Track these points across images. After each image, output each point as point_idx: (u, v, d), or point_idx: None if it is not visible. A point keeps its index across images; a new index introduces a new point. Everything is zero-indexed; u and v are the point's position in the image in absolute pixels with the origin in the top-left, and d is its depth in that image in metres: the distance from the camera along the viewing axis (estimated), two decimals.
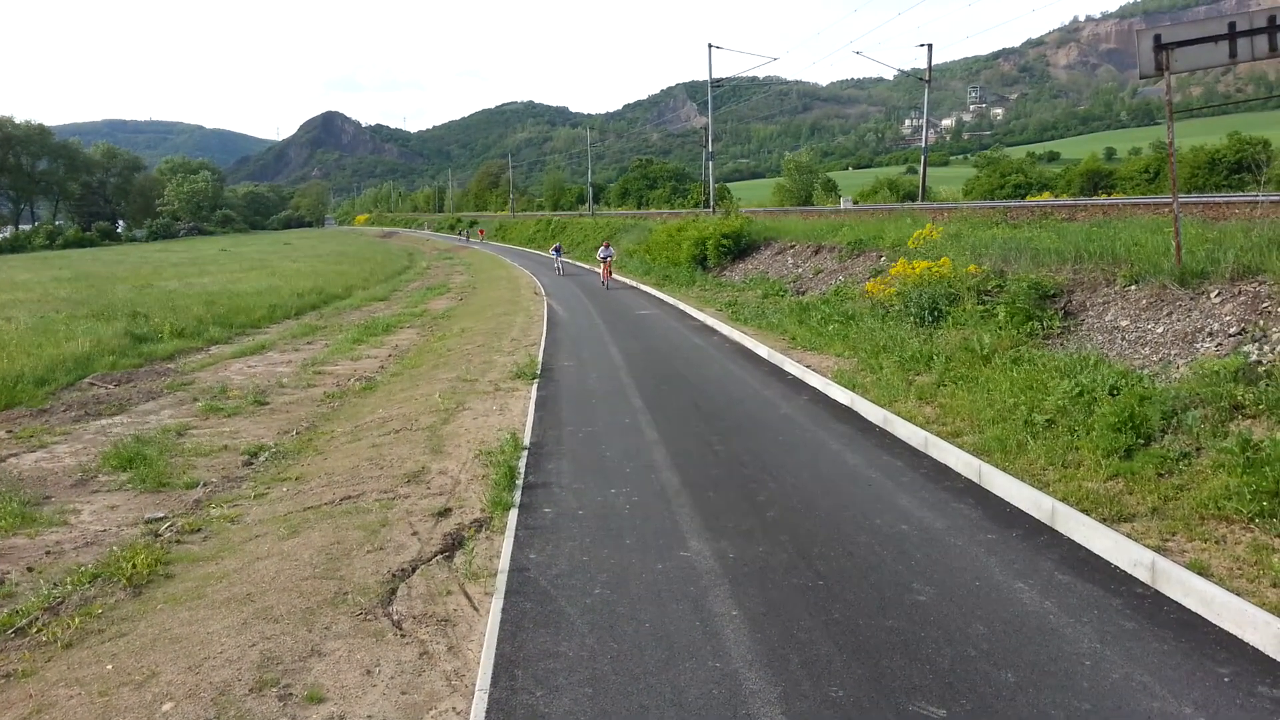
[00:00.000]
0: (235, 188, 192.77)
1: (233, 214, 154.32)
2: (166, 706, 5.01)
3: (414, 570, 6.87)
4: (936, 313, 13.48)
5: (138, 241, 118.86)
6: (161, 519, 8.98)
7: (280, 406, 14.57)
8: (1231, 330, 8.57)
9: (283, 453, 11.48)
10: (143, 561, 7.43)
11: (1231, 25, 9.66)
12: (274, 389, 16.05)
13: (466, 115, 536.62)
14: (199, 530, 8.52)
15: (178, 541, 8.23)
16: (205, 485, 10.14)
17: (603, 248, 33.19)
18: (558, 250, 42.39)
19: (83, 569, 7.54)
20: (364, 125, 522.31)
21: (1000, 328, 11.64)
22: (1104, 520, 6.76)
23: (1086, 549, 6.66)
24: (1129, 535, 6.46)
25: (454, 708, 4.93)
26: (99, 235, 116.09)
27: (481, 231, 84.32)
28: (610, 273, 32.48)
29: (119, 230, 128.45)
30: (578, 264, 45.28)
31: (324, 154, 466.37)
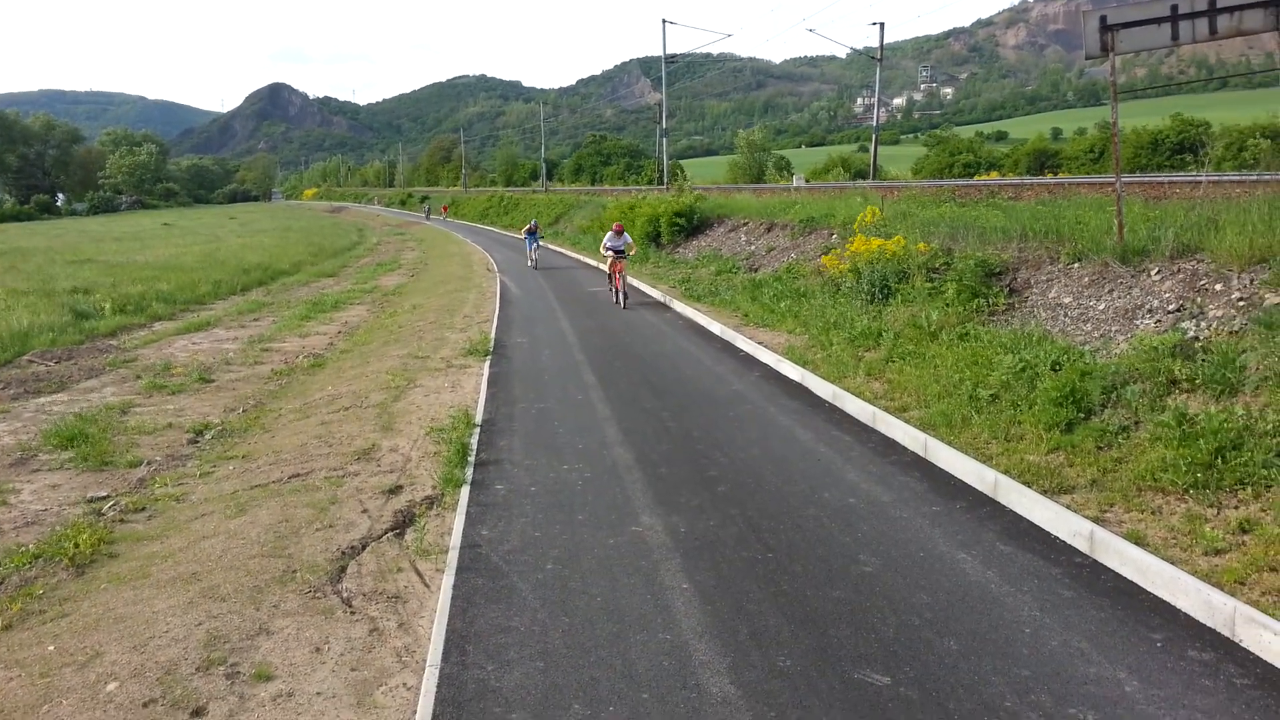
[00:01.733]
0: (179, 160, 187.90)
1: (176, 188, 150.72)
2: (110, 687, 4.94)
3: (364, 548, 6.83)
4: (886, 290, 13.64)
5: (78, 215, 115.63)
6: (105, 498, 8.81)
7: (226, 384, 14.33)
8: (1170, 307, 8.78)
9: (229, 430, 11.30)
10: (86, 541, 7.28)
11: (1174, 8, 9.83)
12: (220, 366, 15.77)
13: (417, 88, 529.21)
14: (143, 509, 8.37)
15: (121, 520, 8.08)
16: (149, 464, 9.95)
17: (612, 234, 21.18)
18: (533, 234, 31.93)
19: (23, 549, 7.37)
20: (312, 98, 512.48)
21: (948, 305, 11.82)
22: (1045, 492, 6.93)
23: (1028, 520, 6.82)
24: (1069, 506, 6.63)
25: (404, 683, 4.92)
26: (37, 209, 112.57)
27: (445, 208, 78.92)
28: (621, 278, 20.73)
29: (58, 204, 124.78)
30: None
31: (270, 126, 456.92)
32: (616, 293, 20.71)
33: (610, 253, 20.99)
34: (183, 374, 14.87)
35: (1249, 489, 6.19)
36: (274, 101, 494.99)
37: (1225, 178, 14.97)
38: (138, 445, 10.67)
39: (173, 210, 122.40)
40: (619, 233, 21.35)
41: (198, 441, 10.89)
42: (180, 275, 29.07)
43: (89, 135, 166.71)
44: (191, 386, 13.98)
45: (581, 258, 33.24)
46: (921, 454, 8.53)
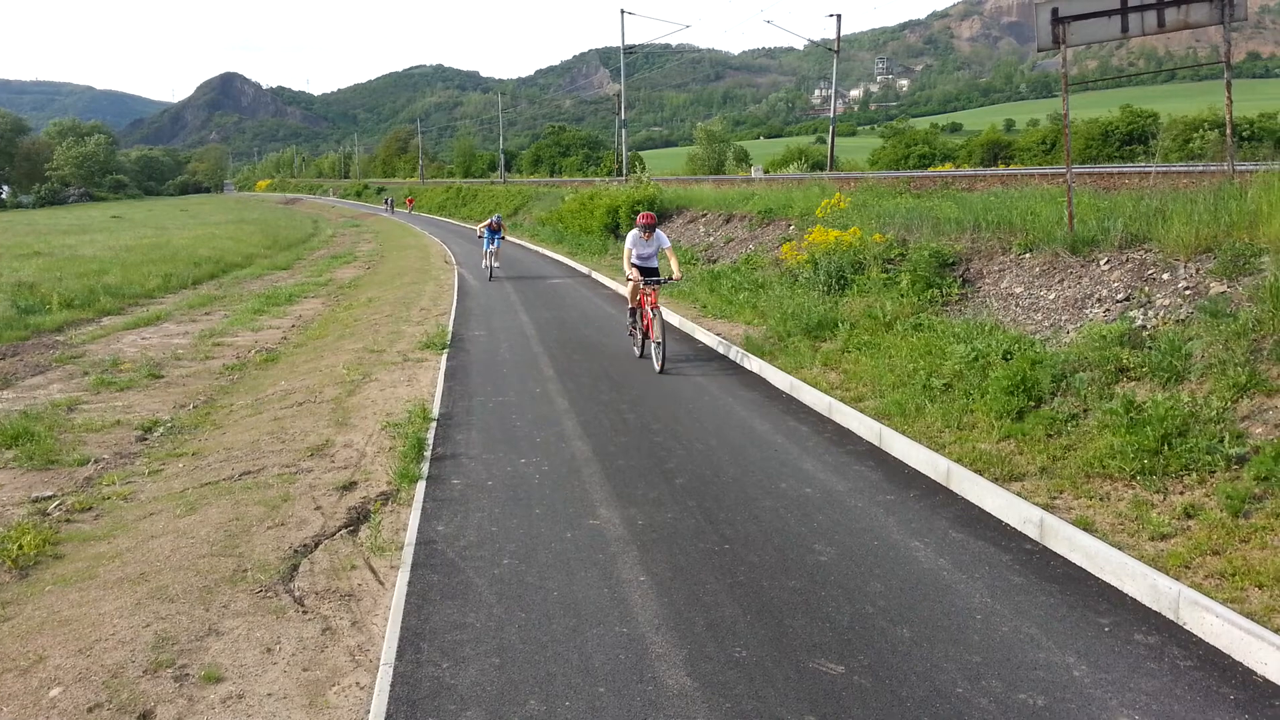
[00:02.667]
0: (129, 151, 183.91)
1: (126, 179, 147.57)
2: (54, 692, 4.83)
3: (317, 545, 6.73)
4: (843, 281, 13.73)
5: (24, 208, 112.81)
6: (50, 498, 8.60)
7: (176, 379, 14.06)
8: (1119, 296, 8.93)
9: (179, 427, 11.09)
10: (30, 542, 7.09)
11: (1124, 1, 9.99)
12: (170, 361, 15.48)
13: (373, 78, 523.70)
14: (90, 509, 8.18)
15: (67, 520, 7.89)
16: (97, 462, 9.74)
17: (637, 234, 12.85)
18: (494, 232, 25.41)
19: None
20: (265, 87, 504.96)
21: (902, 295, 11.92)
22: (996, 480, 7.02)
23: (979, 508, 6.91)
24: (1019, 494, 6.73)
25: (358, 682, 4.86)
26: None
27: (410, 200, 72.28)
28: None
29: (3, 196, 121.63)
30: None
31: (223, 117, 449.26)
32: (645, 340, 12.90)
33: (637, 269, 12.64)
34: (132, 370, 14.58)
35: (1194, 474, 6.31)
36: (226, 91, 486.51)
37: (1173, 169, 15.24)
38: (85, 443, 10.43)
39: (122, 202, 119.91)
40: (649, 229, 12.71)
41: (147, 439, 10.67)
42: (129, 269, 28.46)
43: (35, 126, 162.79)
44: (141, 383, 13.70)
45: (543, 250, 33.07)
46: (876, 443, 8.60)
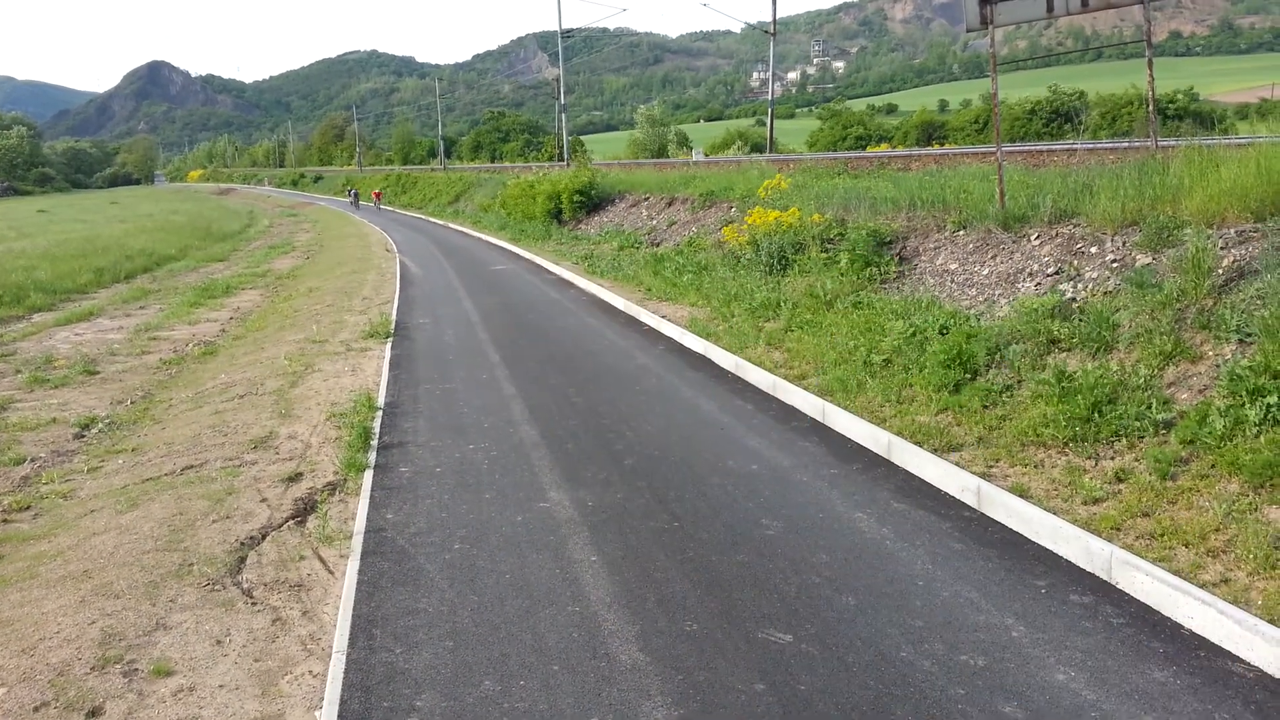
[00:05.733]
0: (54, 144, 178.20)
1: (52, 172, 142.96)
2: None
3: (264, 537, 6.68)
4: (784, 261, 13.89)
5: None
6: None
7: (113, 375, 13.74)
8: (1049, 270, 9.20)
9: (117, 423, 10.86)
10: None
11: None
12: (105, 357, 15.11)
13: (306, 65, 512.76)
14: (28, 508, 8.00)
15: (5, 520, 7.70)
16: (33, 460, 9.50)
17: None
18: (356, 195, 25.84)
19: None
20: (194, 75, 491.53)
21: (842, 274, 12.11)
22: (935, 451, 7.21)
23: (920, 478, 7.10)
24: (957, 464, 6.92)
25: (310, 670, 4.86)
26: None
27: (378, 194, 59.69)
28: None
29: None
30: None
31: (151, 106, 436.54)
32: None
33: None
34: (66, 366, 14.20)
35: (1124, 440, 6.56)
36: (154, 80, 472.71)
37: (1100, 145, 15.66)
38: (20, 442, 10.16)
39: (49, 196, 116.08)
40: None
41: (84, 436, 10.43)
42: (60, 263, 27.57)
43: None
44: (76, 379, 13.36)
45: (486, 237, 32.83)
46: (820, 419, 8.77)
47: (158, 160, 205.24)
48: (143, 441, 9.83)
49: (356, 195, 62.84)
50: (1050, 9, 10.45)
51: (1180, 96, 40.42)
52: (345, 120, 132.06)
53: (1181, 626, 4.82)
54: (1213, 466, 5.88)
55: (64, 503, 8.06)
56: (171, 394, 12.22)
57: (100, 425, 10.81)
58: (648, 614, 5.21)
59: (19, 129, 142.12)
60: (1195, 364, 6.86)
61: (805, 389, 9.33)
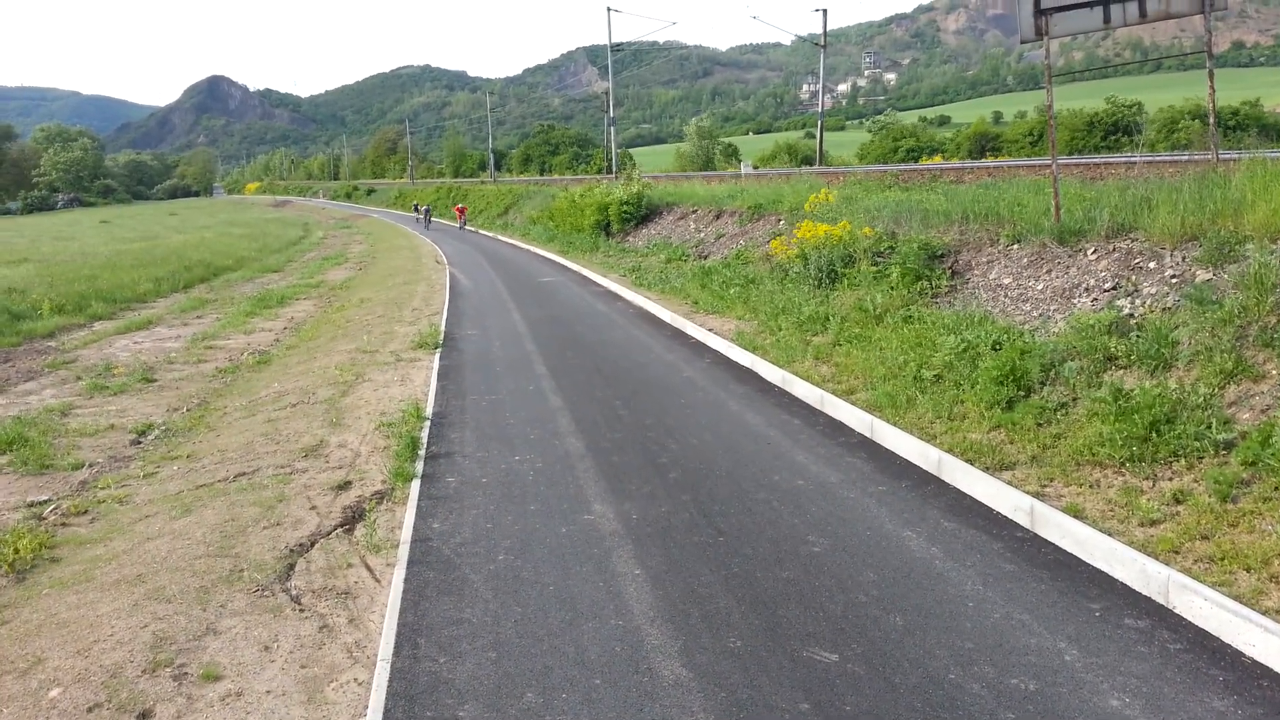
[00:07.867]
0: (116, 156, 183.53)
1: (114, 184, 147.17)
2: (54, 693, 4.85)
3: (313, 545, 6.76)
4: (833, 274, 13.78)
5: (12, 214, 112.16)
6: (45, 502, 8.61)
7: (169, 383, 14.06)
8: (1106, 285, 9.00)
9: (173, 430, 11.10)
10: (26, 546, 7.11)
11: None
12: (162, 365, 15.47)
13: (360, 79, 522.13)
14: (86, 512, 8.20)
15: (63, 524, 7.91)
16: (91, 466, 9.74)
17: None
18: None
19: None
20: (252, 90, 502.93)
21: (892, 288, 11.98)
22: (987, 469, 7.08)
23: (970, 497, 6.97)
24: (1010, 482, 6.79)
25: (355, 678, 4.90)
26: None
27: (461, 210, 50.19)
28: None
29: None
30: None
31: (210, 120, 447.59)
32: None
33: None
34: (125, 374, 14.56)
35: (1182, 460, 6.38)
36: (213, 94, 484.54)
37: (1158, 158, 15.33)
38: (79, 447, 10.44)
39: (111, 207, 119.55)
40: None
41: (141, 442, 10.68)
42: (120, 273, 28.35)
43: (22, 132, 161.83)
44: (134, 386, 13.69)
45: (534, 249, 33.07)
46: (868, 435, 8.66)
47: (216, 172, 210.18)
48: (197, 448, 10.02)
49: (429, 212, 52.72)
50: (1107, 20, 10.26)
51: (1244, 107, 39.44)
52: (398, 134, 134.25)
53: (1242, 654, 4.66)
54: (1276, 489, 5.69)
55: (120, 507, 8.24)
56: (226, 402, 12.45)
57: (156, 432, 11.05)
58: (691, 629, 5.17)
59: (84, 141, 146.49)
60: (1258, 383, 6.65)
61: (853, 404, 9.23)
